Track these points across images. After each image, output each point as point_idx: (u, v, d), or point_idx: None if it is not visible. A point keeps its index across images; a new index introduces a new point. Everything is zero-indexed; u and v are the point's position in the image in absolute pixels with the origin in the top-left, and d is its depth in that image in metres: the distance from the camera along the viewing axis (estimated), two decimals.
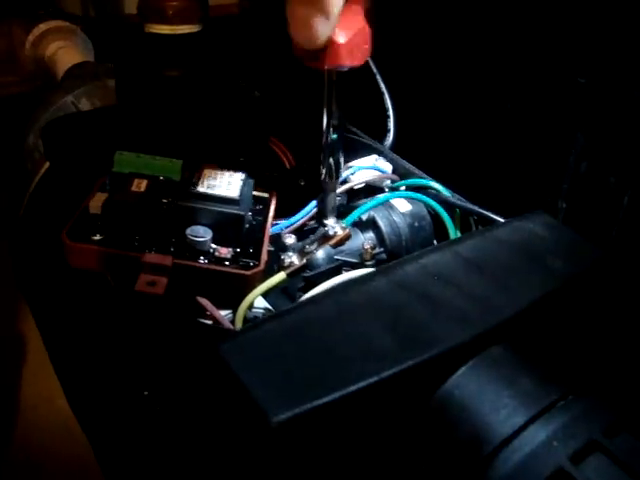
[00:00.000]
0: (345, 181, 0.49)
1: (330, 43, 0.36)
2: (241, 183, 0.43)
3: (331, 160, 0.43)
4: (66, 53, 0.79)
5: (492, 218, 0.44)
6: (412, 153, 0.53)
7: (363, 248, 0.43)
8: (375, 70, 0.56)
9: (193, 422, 0.36)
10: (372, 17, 0.38)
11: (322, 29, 0.35)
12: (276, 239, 0.44)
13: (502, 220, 0.44)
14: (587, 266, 0.38)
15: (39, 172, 0.58)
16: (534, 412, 0.29)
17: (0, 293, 0.87)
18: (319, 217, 0.46)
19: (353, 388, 0.28)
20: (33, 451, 0.86)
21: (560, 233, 0.40)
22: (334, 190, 0.45)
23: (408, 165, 0.51)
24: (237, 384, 0.28)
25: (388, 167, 0.51)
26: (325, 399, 0.28)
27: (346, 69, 0.39)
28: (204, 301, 0.38)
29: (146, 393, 0.39)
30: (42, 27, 0.83)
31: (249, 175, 0.44)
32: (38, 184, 0.57)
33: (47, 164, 0.57)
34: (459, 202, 0.46)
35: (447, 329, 0.32)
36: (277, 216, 0.45)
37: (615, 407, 0.30)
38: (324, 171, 0.44)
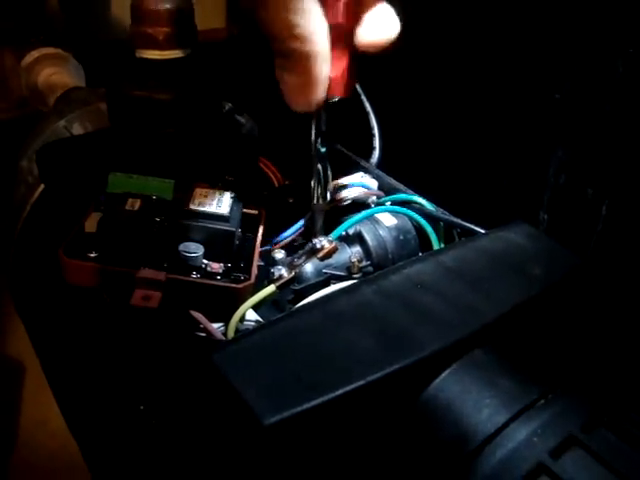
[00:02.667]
0: (333, 198, 0.50)
1: None
2: (231, 201, 0.44)
3: (320, 183, 0.45)
4: (58, 79, 0.80)
5: (475, 230, 0.46)
6: (397, 169, 0.54)
7: (350, 261, 0.44)
8: (360, 90, 0.58)
9: (188, 431, 0.37)
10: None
11: (316, 95, 0.37)
12: (266, 254, 0.45)
13: (485, 231, 0.45)
14: (565, 273, 0.39)
15: (33, 195, 0.59)
16: (515, 411, 0.30)
17: None
18: (307, 234, 0.47)
19: (341, 391, 0.30)
20: (29, 475, 0.86)
21: (539, 242, 0.42)
22: (323, 210, 0.46)
23: (393, 181, 0.52)
24: (230, 390, 0.30)
25: (374, 183, 0.53)
26: (314, 402, 0.29)
27: (336, 100, 0.41)
28: (197, 314, 0.39)
29: (142, 407, 0.40)
30: (34, 54, 0.84)
31: (239, 193, 0.45)
32: (33, 206, 0.58)
33: (41, 187, 0.58)
34: (442, 215, 0.48)
35: (430, 334, 0.33)
36: (266, 232, 0.47)
37: (593, 404, 0.31)
38: (314, 195, 0.45)
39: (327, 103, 0.42)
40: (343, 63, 0.39)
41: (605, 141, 0.46)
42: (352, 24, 0.38)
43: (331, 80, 0.38)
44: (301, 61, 0.35)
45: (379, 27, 0.38)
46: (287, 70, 0.36)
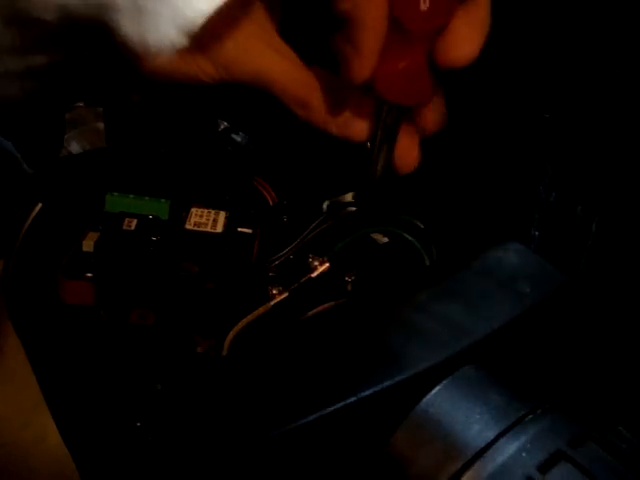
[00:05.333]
0: (326, 217, 0.51)
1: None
2: (226, 221, 0.45)
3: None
4: None
5: (466, 248, 0.46)
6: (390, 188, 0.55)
7: (343, 279, 0.45)
8: None
9: (186, 448, 0.37)
10: None
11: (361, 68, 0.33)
12: (261, 272, 0.46)
13: (475, 249, 0.46)
14: (553, 291, 0.40)
15: (31, 213, 0.60)
16: (504, 426, 0.31)
17: None
18: (302, 253, 0.48)
19: (336, 407, 0.30)
20: None
21: (528, 260, 0.42)
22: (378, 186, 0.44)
23: (387, 199, 0.53)
24: (232, 405, 0.30)
25: (367, 201, 0.53)
26: (311, 417, 0.30)
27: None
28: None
29: (138, 424, 0.41)
30: None
31: (234, 213, 0.46)
32: (31, 225, 0.58)
33: (39, 205, 0.59)
34: (434, 234, 0.49)
35: (422, 351, 0.34)
36: (261, 251, 0.47)
37: (581, 419, 0.32)
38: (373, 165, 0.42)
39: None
40: (400, 60, 0.35)
41: (595, 159, 0.47)
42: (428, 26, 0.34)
43: (379, 74, 0.35)
44: (350, 27, 0.32)
45: (468, 40, 0.35)
46: (340, 36, 0.33)
